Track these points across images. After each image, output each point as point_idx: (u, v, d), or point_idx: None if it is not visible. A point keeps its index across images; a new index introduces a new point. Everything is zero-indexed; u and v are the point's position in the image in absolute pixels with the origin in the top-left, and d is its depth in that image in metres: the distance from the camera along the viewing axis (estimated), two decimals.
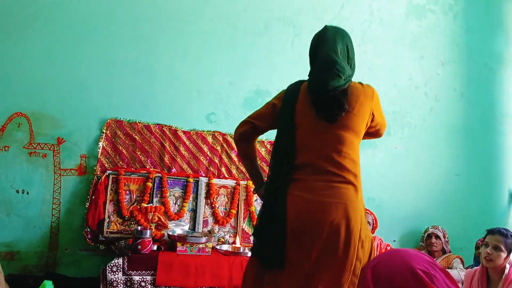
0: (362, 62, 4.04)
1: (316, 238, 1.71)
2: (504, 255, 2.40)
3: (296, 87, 1.95)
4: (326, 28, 1.95)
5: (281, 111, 1.93)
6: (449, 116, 4.27)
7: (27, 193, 3.21)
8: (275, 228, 1.77)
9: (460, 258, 3.48)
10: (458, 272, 3.17)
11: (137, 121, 3.42)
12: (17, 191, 3.19)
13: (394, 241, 3.96)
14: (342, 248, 1.70)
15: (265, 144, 3.75)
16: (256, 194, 2.13)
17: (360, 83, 1.93)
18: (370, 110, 1.87)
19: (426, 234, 3.73)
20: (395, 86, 4.15)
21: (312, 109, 1.83)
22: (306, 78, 1.98)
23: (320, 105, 1.81)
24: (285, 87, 3.78)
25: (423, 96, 4.23)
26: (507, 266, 2.40)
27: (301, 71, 3.83)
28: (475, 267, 2.70)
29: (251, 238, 3.51)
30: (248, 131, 2.00)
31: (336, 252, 1.70)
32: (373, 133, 1.96)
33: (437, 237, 3.62)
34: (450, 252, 3.64)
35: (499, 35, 4.50)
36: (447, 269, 3.21)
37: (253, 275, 1.84)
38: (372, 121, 1.90)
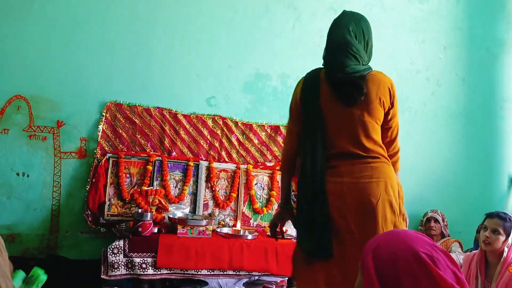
0: None
1: (365, 217, 1.75)
2: (502, 238, 2.42)
3: (315, 75, 1.93)
4: (343, 12, 1.97)
5: (304, 103, 1.92)
6: (450, 101, 4.25)
7: (28, 176, 3.21)
8: (318, 220, 1.78)
9: (458, 242, 3.50)
10: (456, 256, 3.19)
11: (136, 104, 3.41)
12: (17, 174, 3.20)
13: None
14: (389, 223, 1.77)
15: (265, 128, 3.74)
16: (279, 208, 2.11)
17: (381, 72, 1.93)
18: (388, 100, 1.88)
19: (425, 218, 3.75)
20: (395, 70, 4.12)
21: (334, 95, 1.84)
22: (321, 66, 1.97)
23: (339, 88, 1.83)
24: (285, 71, 3.83)
25: (424, 80, 4.20)
26: (506, 249, 2.41)
27: (302, 54, 3.84)
28: (474, 251, 2.72)
29: (251, 221, 3.53)
30: (295, 146, 1.99)
31: (384, 228, 1.75)
32: (387, 131, 1.94)
33: (436, 221, 3.64)
34: (449, 236, 3.66)
35: (502, 20, 4.45)
36: None
37: (303, 260, 1.86)
38: (388, 114, 1.90)
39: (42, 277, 1.14)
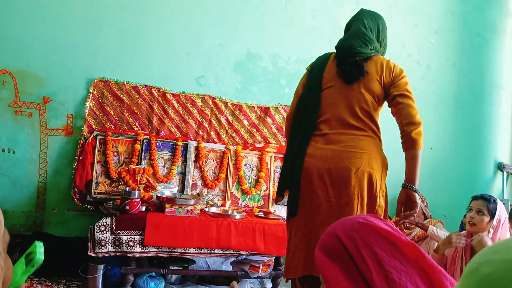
0: None
1: (342, 183, 1.86)
2: (486, 219, 2.45)
3: (326, 56, 2.13)
4: (361, 10, 2.16)
5: (309, 76, 2.11)
6: (440, 86, 4.27)
7: (13, 152, 3.17)
8: (294, 179, 1.93)
9: (441, 222, 3.55)
10: (444, 234, 3.25)
11: (124, 82, 3.36)
12: (3, 150, 3.15)
13: None
14: (366, 194, 1.87)
15: (255, 109, 3.72)
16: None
17: (387, 59, 2.06)
18: (388, 76, 1.99)
19: None
20: (387, 53, 4.09)
21: (337, 72, 2.01)
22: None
23: (342, 66, 1.98)
24: (276, 52, 3.79)
25: (415, 64, 4.20)
26: (491, 230, 2.45)
27: (293, 35, 3.80)
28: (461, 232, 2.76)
29: (239, 201, 3.54)
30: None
31: (360, 199, 1.86)
32: (392, 106, 2.02)
33: None
34: (430, 216, 3.71)
35: (494, 4, 4.45)
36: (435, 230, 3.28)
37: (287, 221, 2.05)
38: (389, 88, 2.00)
39: (39, 256, 1.11)
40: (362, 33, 2.02)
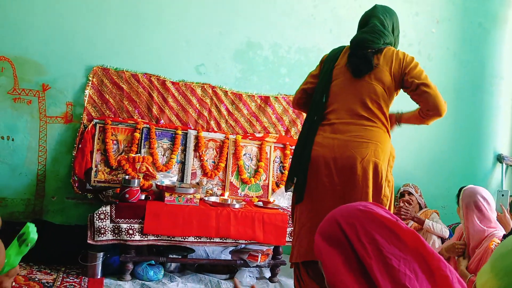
0: (357, 17, 3.94)
1: (348, 172, 1.91)
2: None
3: (339, 49, 2.17)
4: (375, 6, 2.20)
5: (323, 68, 2.16)
6: (440, 76, 4.24)
7: (12, 139, 3.16)
8: (302, 167, 1.99)
9: (436, 213, 3.56)
10: (441, 228, 3.26)
11: (124, 70, 3.34)
12: (2, 138, 3.14)
13: None
14: (371, 184, 1.92)
15: (255, 98, 3.71)
16: None
17: (397, 49, 2.13)
18: (400, 71, 2.04)
19: (399, 193, 3.80)
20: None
21: (347, 64, 2.07)
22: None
23: (351, 59, 2.04)
24: (277, 41, 3.77)
25: (416, 54, 4.15)
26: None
27: (294, 24, 3.77)
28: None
29: (239, 191, 3.54)
30: (302, 97, 2.24)
31: (365, 187, 1.91)
32: (416, 95, 2.05)
33: (410, 193, 3.69)
34: (425, 205, 3.72)
35: None
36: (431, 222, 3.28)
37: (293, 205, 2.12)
38: (406, 82, 2.04)
39: (32, 235, 1.12)
40: (378, 29, 2.07)
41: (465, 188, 2.49)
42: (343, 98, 2.02)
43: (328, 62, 2.13)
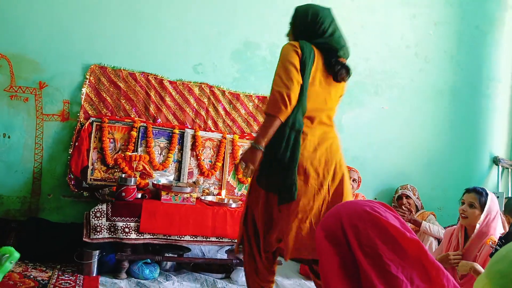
0: (355, 19, 3.97)
1: (330, 172, 2.09)
2: (478, 212, 2.47)
3: (312, 48, 2.08)
4: (329, 9, 2.22)
5: (305, 67, 2.03)
6: (437, 78, 4.27)
7: (9, 137, 3.15)
8: (290, 167, 2.01)
9: (433, 215, 3.57)
10: (438, 229, 3.27)
11: (121, 68, 3.33)
12: None
13: (376, 198, 4.05)
14: (345, 180, 2.13)
15: (253, 98, 3.71)
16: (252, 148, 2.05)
17: None
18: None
19: (396, 195, 3.80)
20: (386, 45, 4.10)
21: (324, 71, 2.10)
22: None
23: (335, 66, 2.10)
24: (275, 41, 3.77)
25: (413, 56, 4.20)
26: (477, 226, 2.47)
27: None
28: (454, 226, 2.78)
29: (235, 191, 3.54)
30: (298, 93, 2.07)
31: (342, 183, 2.11)
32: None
33: (408, 196, 3.69)
34: (422, 207, 3.73)
35: None
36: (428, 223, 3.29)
37: (264, 203, 2.12)
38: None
39: (16, 254, 1.14)
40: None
41: (487, 192, 2.49)
42: (321, 102, 2.11)
43: (307, 62, 2.03)
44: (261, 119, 3.71)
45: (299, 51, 2.02)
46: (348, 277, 0.99)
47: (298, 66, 2.00)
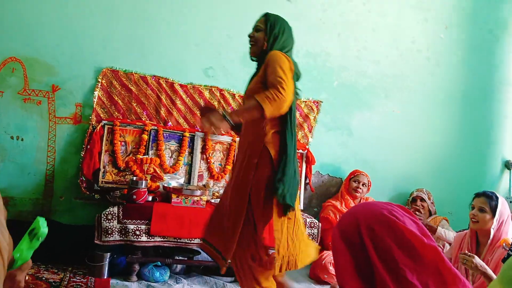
0: (366, 22, 3.96)
1: None
2: (488, 216, 2.44)
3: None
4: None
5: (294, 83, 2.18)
6: (449, 82, 4.24)
7: (22, 139, 3.19)
8: (297, 180, 2.17)
9: (446, 220, 3.55)
10: (453, 235, 3.25)
11: (133, 72, 3.36)
12: (12, 137, 3.17)
13: None
14: None
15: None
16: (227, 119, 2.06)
17: None
18: None
19: (411, 197, 3.78)
20: (397, 48, 4.08)
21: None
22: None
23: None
24: None
25: (424, 60, 4.17)
26: (491, 231, 2.44)
27: (302, 28, 3.78)
28: (465, 231, 2.76)
29: None
30: None
31: None
32: None
33: (422, 199, 3.68)
34: (435, 212, 3.70)
35: (505, 1, 4.40)
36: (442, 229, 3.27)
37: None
38: None
39: (43, 229, 1.14)
40: None
41: (497, 196, 2.47)
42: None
43: (295, 81, 2.20)
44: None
45: (293, 68, 2.15)
46: (362, 277, 0.99)
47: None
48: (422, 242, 0.99)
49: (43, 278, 2.69)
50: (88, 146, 3.18)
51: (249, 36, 2.30)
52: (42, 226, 1.18)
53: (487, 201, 2.46)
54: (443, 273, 0.98)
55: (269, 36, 2.23)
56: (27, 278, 1.19)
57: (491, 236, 2.42)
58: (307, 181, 3.78)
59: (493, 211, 2.43)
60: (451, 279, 0.98)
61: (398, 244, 0.98)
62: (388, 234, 0.99)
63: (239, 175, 2.19)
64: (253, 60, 2.38)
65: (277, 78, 2.02)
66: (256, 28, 2.29)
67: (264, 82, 2.13)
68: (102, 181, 3.19)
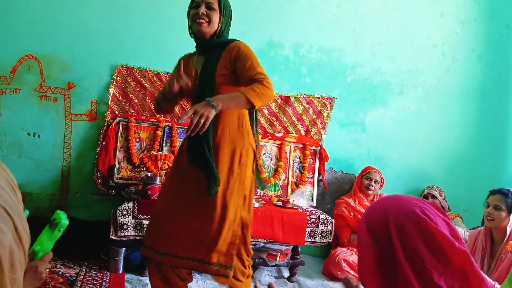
0: (380, 17, 3.92)
1: None
2: (504, 214, 2.40)
3: None
4: None
5: None
6: (465, 78, 4.18)
7: (38, 136, 3.24)
8: None
9: (460, 217, 3.51)
10: (463, 231, 3.22)
11: (147, 69, 3.38)
12: (28, 134, 3.22)
13: None
14: None
15: (276, 98, 3.70)
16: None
17: None
18: None
19: (422, 195, 3.75)
20: (412, 43, 4.03)
21: None
22: None
23: None
24: (298, 40, 3.77)
25: (440, 55, 4.12)
26: (508, 229, 2.40)
27: (316, 23, 3.76)
28: (480, 228, 2.73)
29: (258, 190, 3.55)
30: None
31: None
32: None
33: (434, 196, 3.64)
34: (449, 208, 3.66)
35: None
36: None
37: None
38: None
39: (64, 221, 1.16)
40: None
41: None
42: None
43: None
44: (283, 118, 3.71)
45: None
46: (384, 273, 0.97)
47: None
48: (453, 245, 0.97)
49: (60, 273, 2.74)
50: (103, 143, 3.21)
51: (201, 13, 2.03)
52: (63, 218, 1.20)
53: (503, 198, 2.42)
54: (470, 278, 0.96)
55: (223, 19, 2.08)
56: (47, 270, 1.21)
57: (507, 234, 2.39)
58: (320, 177, 3.77)
59: (509, 208, 2.40)
60: (478, 285, 0.96)
61: (427, 245, 0.96)
62: (418, 233, 0.97)
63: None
64: (197, 41, 2.18)
65: (258, 74, 1.92)
66: (207, 5, 2.04)
67: (233, 72, 2.00)
68: (117, 177, 3.23)
